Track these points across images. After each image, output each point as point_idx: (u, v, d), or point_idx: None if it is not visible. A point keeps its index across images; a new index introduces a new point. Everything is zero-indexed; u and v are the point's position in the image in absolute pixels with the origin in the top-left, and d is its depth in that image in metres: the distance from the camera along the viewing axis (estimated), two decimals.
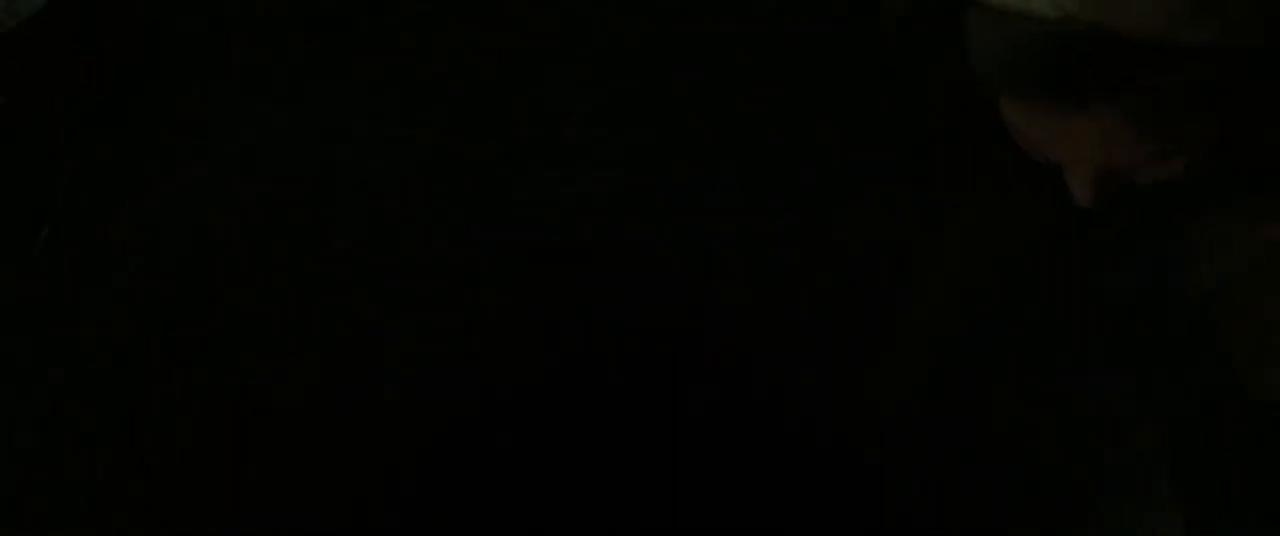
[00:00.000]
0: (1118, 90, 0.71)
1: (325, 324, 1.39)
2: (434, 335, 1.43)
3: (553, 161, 1.36)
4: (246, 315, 1.35)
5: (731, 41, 1.28)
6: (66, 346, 1.22)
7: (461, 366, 1.45)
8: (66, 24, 1.17)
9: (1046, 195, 0.87)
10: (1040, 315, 1.19)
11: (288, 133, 1.32)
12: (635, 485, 1.45)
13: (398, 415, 1.44)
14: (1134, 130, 0.73)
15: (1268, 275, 0.95)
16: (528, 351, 1.45)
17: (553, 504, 1.45)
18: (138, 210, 1.27)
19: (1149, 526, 1.06)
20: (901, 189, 1.27)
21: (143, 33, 1.25)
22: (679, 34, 1.28)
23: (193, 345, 1.32)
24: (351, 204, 1.37)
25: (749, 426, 1.43)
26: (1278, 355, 0.98)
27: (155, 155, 1.28)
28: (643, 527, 1.43)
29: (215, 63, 1.29)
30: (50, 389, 1.20)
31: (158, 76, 1.27)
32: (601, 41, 1.29)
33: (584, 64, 1.30)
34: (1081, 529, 1.13)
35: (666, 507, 1.44)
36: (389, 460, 1.45)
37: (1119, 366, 1.13)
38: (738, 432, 1.44)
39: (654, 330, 1.42)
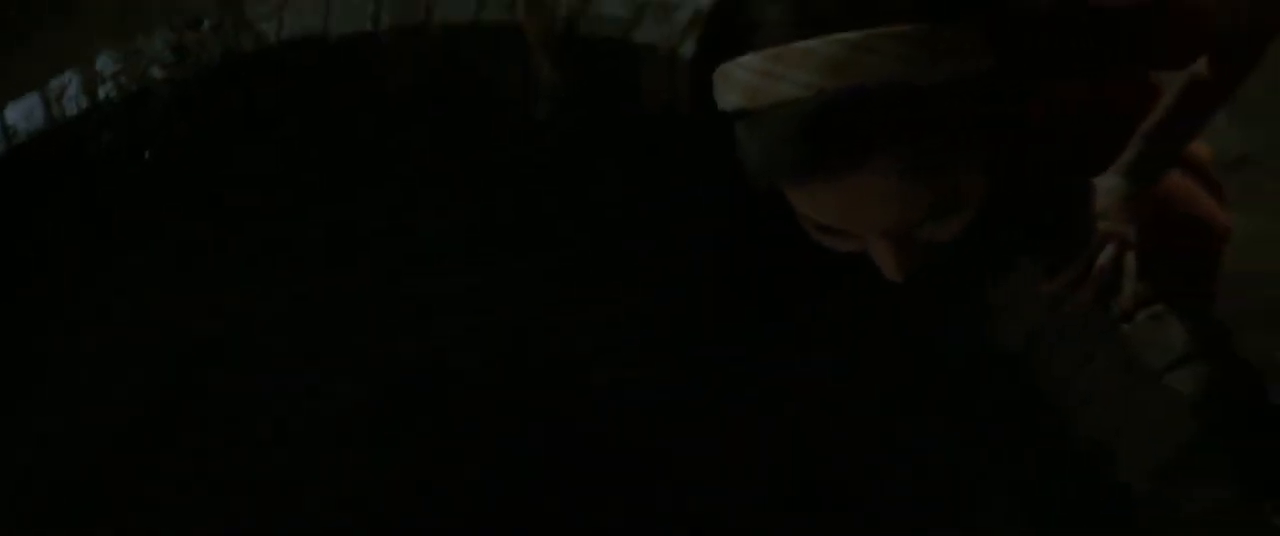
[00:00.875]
0: (881, 145, 0.73)
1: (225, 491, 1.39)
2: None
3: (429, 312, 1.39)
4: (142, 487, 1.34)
5: None
6: None
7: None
8: None
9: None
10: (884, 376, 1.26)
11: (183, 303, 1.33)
12: None
13: None
14: (907, 181, 0.75)
15: (1055, 329, 1.04)
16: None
17: None
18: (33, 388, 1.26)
19: None
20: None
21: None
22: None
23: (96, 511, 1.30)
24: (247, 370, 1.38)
25: None
26: (1086, 398, 1.06)
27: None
28: None
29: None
30: None
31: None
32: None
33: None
34: None
35: None
36: None
37: (959, 425, 1.21)
38: None
39: None
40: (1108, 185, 1.07)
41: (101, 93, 1.17)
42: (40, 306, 1.26)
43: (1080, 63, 0.93)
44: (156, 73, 1.17)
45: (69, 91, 1.17)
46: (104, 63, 1.18)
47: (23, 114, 1.18)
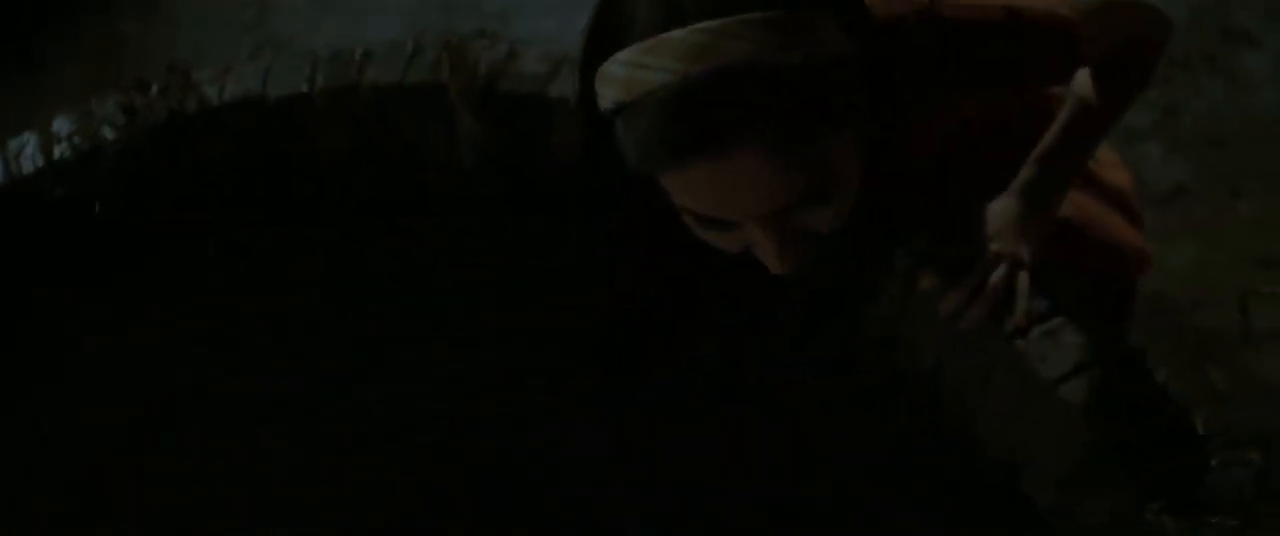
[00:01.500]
0: (746, 124, 0.77)
1: None
2: None
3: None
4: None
5: None
6: None
7: None
8: None
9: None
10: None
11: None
12: None
13: None
14: (777, 161, 0.79)
15: (956, 349, 1.08)
16: None
17: None
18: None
19: None
20: None
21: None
22: None
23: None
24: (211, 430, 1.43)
25: None
26: (989, 413, 1.10)
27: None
28: None
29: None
30: None
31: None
32: None
33: None
34: None
35: None
36: None
37: (872, 449, 1.24)
38: None
39: None
40: (1001, 206, 1.11)
41: (56, 152, 1.24)
42: None
43: (943, 71, 0.98)
44: (108, 133, 1.24)
45: (27, 150, 1.26)
46: (60, 124, 1.27)
47: None
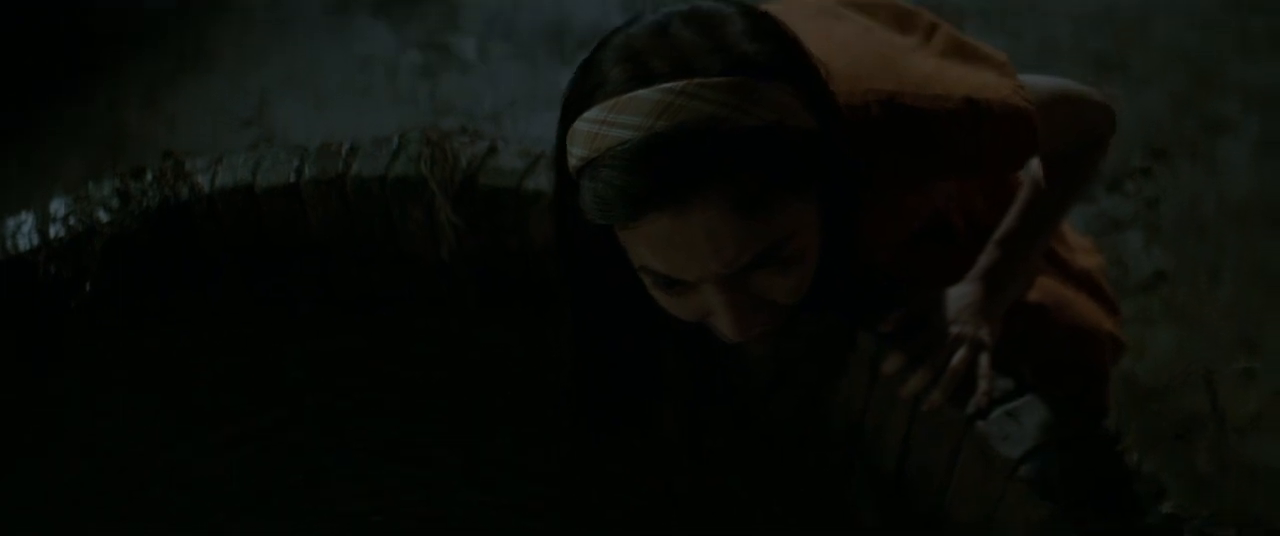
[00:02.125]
0: (705, 179, 0.80)
1: None
2: None
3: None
4: None
5: None
6: None
7: None
8: None
9: None
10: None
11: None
12: None
13: None
14: (735, 218, 0.81)
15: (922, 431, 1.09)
16: None
17: None
18: None
19: None
20: None
21: None
22: None
23: None
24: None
25: None
26: (952, 492, 1.11)
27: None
28: None
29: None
30: None
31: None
32: None
33: None
34: None
35: None
36: None
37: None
38: None
39: None
40: (961, 289, 1.14)
41: (52, 232, 1.29)
42: None
43: (904, 158, 1.02)
44: (102, 215, 1.29)
45: (23, 229, 1.30)
46: (57, 205, 1.33)
47: None
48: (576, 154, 0.86)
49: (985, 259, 1.18)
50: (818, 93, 0.89)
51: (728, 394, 1.22)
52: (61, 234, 1.28)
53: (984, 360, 1.10)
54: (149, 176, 1.32)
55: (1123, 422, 1.56)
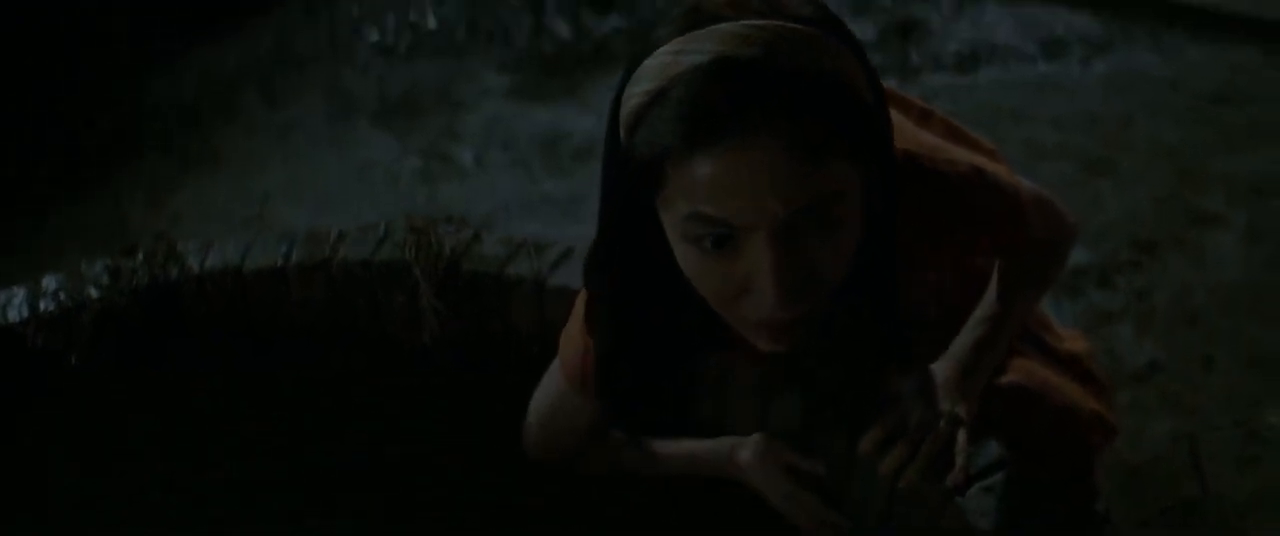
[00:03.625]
0: (770, 113, 0.80)
1: None
2: None
3: None
4: None
5: None
6: None
7: None
8: None
9: None
10: None
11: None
12: None
13: None
14: (791, 158, 0.81)
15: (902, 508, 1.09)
16: None
17: None
18: None
19: None
20: None
21: None
22: None
23: None
24: None
25: None
26: None
27: None
28: None
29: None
30: None
31: None
32: None
33: None
34: None
35: None
36: None
37: None
38: None
39: None
40: (936, 368, 1.15)
41: (42, 305, 1.32)
42: None
43: (917, 213, 1.02)
44: (92, 292, 1.32)
45: (15, 302, 1.33)
46: (49, 281, 1.36)
47: None
48: (640, 90, 0.85)
49: (961, 339, 1.20)
50: (874, 78, 0.92)
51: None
52: (51, 308, 1.31)
53: (961, 436, 1.10)
54: (140, 256, 1.34)
55: (1113, 506, 1.54)
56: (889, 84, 1.10)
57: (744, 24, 0.83)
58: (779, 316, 0.88)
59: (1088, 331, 2.07)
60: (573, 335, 1.15)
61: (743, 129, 0.81)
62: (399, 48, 3.72)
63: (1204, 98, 3.18)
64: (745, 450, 1.29)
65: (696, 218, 0.86)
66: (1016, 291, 1.22)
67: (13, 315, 1.31)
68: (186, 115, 3.17)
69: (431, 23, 3.94)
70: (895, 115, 1.07)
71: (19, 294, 1.33)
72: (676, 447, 1.32)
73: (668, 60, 0.84)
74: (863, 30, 3.23)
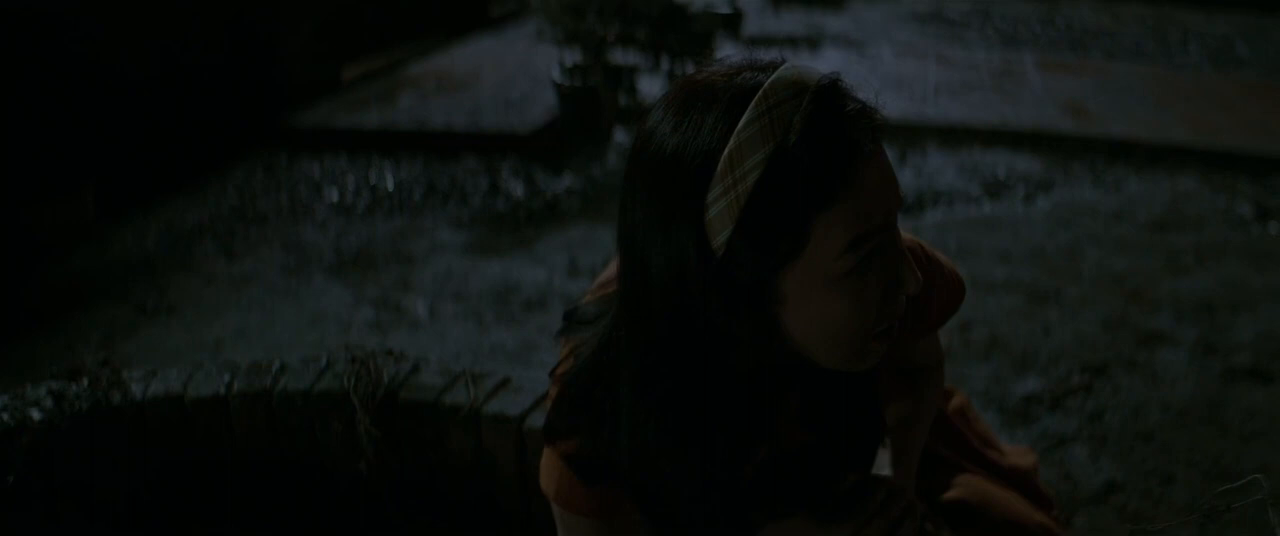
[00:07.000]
0: (873, 117, 0.85)
1: None
2: None
3: None
4: None
5: None
6: None
7: None
8: None
9: None
10: None
11: None
12: None
13: None
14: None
15: None
16: None
17: None
18: None
19: None
20: None
21: None
22: None
23: None
24: None
25: None
26: None
27: None
28: None
29: None
30: None
31: None
32: None
33: None
34: None
35: None
36: None
37: None
38: None
39: None
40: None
41: None
42: None
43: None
44: (35, 414, 1.29)
45: None
46: None
47: None
48: (756, 157, 0.83)
49: (897, 441, 1.20)
50: None
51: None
52: None
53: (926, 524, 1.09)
54: (85, 381, 1.33)
55: None
56: None
57: (791, 66, 0.86)
58: (914, 294, 0.91)
59: (1042, 455, 2.07)
60: (564, 486, 1.07)
61: (873, 135, 0.85)
62: (357, 207, 3.79)
63: (1149, 226, 3.28)
64: None
65: (858, 241, 0.86)
66: (927, 379, 1.24)
67: None
68: (145, 267, 3.18)
69: (390, 184, 4.02)
70: None
71: None
72: None
73: (761, 125, 0.83)
74: None
